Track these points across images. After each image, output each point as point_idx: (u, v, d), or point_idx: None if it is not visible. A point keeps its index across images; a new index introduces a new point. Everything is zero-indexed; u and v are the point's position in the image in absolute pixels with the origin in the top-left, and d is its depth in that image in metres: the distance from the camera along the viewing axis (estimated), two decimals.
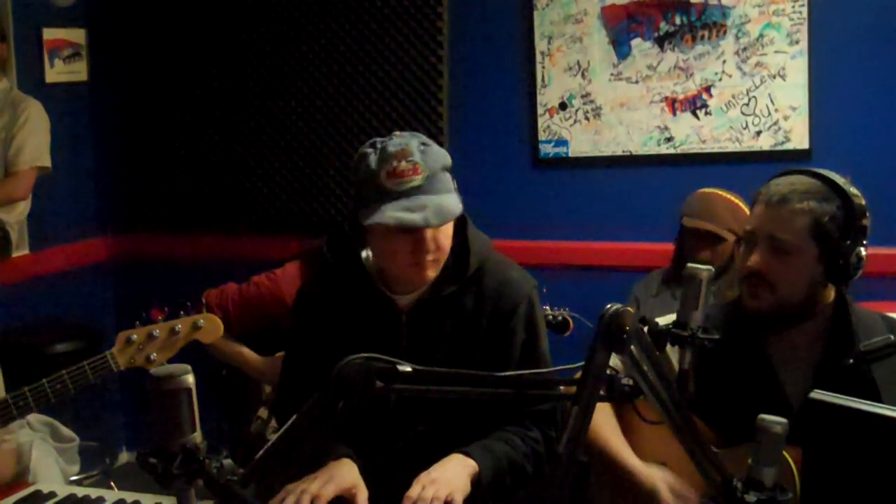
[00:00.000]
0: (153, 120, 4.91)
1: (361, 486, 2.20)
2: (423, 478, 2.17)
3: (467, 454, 2.27)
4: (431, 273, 2.35)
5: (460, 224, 2.42)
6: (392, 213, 2.22)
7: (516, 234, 4.21)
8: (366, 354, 1.54)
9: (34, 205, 4.41)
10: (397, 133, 2.32)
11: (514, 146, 4.36)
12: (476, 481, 2.24)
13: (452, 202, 2.27)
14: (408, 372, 1.57)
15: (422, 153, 2.26)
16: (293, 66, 4.61)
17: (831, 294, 2.24)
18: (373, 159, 2.26)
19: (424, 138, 2.32)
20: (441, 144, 4.27)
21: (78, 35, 4.87)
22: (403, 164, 2.23)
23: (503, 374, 1.76)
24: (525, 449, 2.36)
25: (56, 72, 4.77)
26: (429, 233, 2.26)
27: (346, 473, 2.22)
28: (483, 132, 4.39)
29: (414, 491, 2.13)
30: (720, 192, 3.44)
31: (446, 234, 2.32)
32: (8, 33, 4.46)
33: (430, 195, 2.24)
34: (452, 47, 4.37)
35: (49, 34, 4.73)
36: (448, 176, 2.30)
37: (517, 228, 4.26)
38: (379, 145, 2.28)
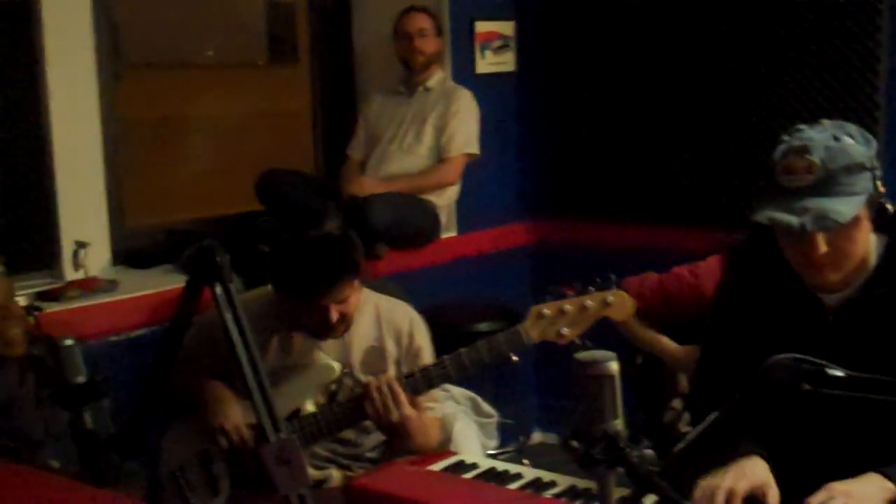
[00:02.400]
0: (576, 108, 4.99)
1: (773, 485, 2.10)
2: (836, 487, 2.02)
3: (887, 476, 2.11)
4: (832, 276, 2.20)
5: (894, 221, 2.26)
6: (770, 211, 2.11)
7: None
8: (793, 355, 1.48)
9: (463, 189, 4.62)
10: (818, 124, 2.20)
11: None
12: None
13: (844, 208, 2.09)
14: (839, 376, 1.48)
15: (826, 150, 2.11)
16: (717, 51, 4.50)
17: None
18: (779, 151, 2.17)
19: (847, 131, 2.17)
20: (875, 134, 4.07)
21: (507, 27, 5.05)
22: (799, 161, 2.12)
23: None
24: None
25: (486, 63, 4.98)
26: (819, 236, 2.13)
27: (758, 471, 2.13)
28: None
29: (818, 498, 2.01)
30: None
31: (848, 237, 2.15)
32: (445, 28, 4.72)
33: (819, 197, 2.09)
34: (891, 27, 4.07)
35: (481, 27, 4.94)
36: (855, 178, 2.12)
37: None
38: (789, 136, 2.18)
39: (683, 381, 3.22)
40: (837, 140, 2.13)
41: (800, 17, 4.26)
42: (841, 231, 2.13)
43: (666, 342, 3.20)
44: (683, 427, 3.03)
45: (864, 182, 2.14)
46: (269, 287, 2.90)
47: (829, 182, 2.11)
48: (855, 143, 2.15)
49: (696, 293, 3.11)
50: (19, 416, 2.60)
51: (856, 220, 2.14)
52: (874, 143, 2.21)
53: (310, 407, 2.72)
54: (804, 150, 2.12)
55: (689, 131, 4.63)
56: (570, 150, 5.03)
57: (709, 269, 3.15)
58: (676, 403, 3.20)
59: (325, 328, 2.78)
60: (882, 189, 2.18)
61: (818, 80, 4.24)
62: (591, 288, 2.49)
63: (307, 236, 2.77)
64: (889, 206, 2.20)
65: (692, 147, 4.64)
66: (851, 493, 2.02)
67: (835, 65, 4.20)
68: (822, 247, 2.15)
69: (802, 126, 2.20)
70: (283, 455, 1.74)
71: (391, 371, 2.80)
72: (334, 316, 2.74)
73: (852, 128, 2.19)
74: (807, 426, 2.25)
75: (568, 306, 2.46)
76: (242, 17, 5.80)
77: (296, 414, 2.70)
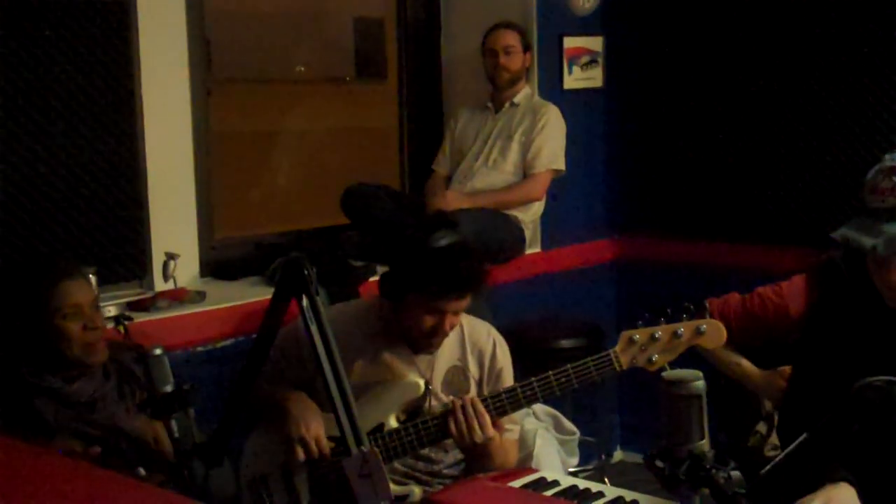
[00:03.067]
0: (663, 125, 4.95)
1: None
2: None
3: None
4: None
5: None
6: (847, 229, 2.08)
7: None
8: (888, 378, 1.45)
9: (548, 205, 4.60)
10: None
11: None
12: None
13: None
14: None
15: None
16: (805, 68, 4.43)
17: None
18: (873, 169, 2.13)
19: None
20: None
21: (595, 43, 5.03)
22: (885, 181, 2.08)
23: None
24: None
25: (574, 78, 4.96)
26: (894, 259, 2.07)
27: (846, 499, 2.09)
28: None
29: None
30: None
31: None
32: (533, 43, 4.72)
33: None
34: None
35: (569, 42, 4.92)
36: None
37: None
38: (887, 156, 2.14)
39: (768, 404, 3.16)
40: None
41: (884, 23, 4.17)
42: None
43: (747, 366, 3.13)
44: (768, 451, 2.97)
45: None
46: (358, 300, 2.92)
47: None
48: None
49: (781, 313, 3.04)
50: (104, 408, 2.64)
51: None
52: None
53: (393, 423, 2.73)
54: (892, 172, 2.07)
55: (775, 149, 4.56)
56: (656, 166, 4.99)
57: (794, 289, 3.07)
58: (761, 427, 3.13)
59: (434, 337, 2.79)
60: None
61: None
62: (684, 315, 2.45)
63: (444, 242, 2.77)
64: None
65: (776, 165, 4.57)
66: None
67: None
68: None
69: None
70: (365, 469, 1.75)
71: (472, 391, 2.80)
72: (448, 324, 2.75)
73: None
74: None
75: (659, 333, 2.43)
76: (331, 32, 5.85)
77: (379, 429, 2.71)
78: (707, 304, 3.14)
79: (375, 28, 5.68)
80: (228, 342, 3.57)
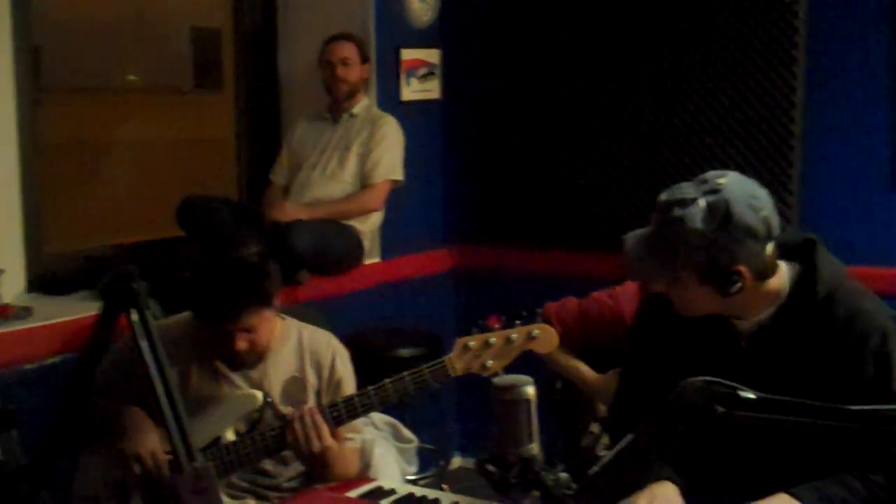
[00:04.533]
0: (499, 136, 5.04)
1: None
2: None
3: (795, 496, 2.16)
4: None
5: (808, 249, 2.32)
6: None
7: (873, 260, 3.93)
8: (707, 378, 1.51)
9: (386, 215, 4.63)
10: (690, 184, 2.27)
11: (871, 166, 4.10)
12: None
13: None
14: (750, 399, 1.51)
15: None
16: (638, 83, 4.58)
17: None
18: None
19: (706, 203, 2.21)
20: (790, 164, 4.19)
21: (433, 55, 5.08)
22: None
23: (855, 407, 1.65)
24: (865, 494, 2.20)
25: (411, 90, 5.00)
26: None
27: (669, 496, 2.18)
28: (838, 151, 4.16)
29: None
30: None
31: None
32: (371, 55, 4.73)
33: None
34: (807, 61, 4.17)
35: (407, 54, 4.96)
36: (661, 262, 2.25)
37: (874, 253, 3.99)
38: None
39: (601, 406, 3.25)
40: (679, 221, 2.20)
41: (717, 47, 4.35)
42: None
43: (584, 369, 3.23)
44: (601, 451, 3.06)
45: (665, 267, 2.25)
46: (189, 313, 2.87)
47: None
48: (688, 224, 2.19)
49: (615, 317, 3.15)
50: None
51: None
52: (760, 211, 2.22)
53: (230, 436, 2.69)
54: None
55: (607, 160, 4.70)
56: (493, 177, 5.07)
57: (627, 294, 3.20)
58: (595, 428, 3.23)
59: (233, 356, 2.76)
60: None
61: (735, 109, 4.32)
62: (517, 321, 2.51)
63: (218, 261, 2.73)
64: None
65: (609, 176, 4.70)
66: None
67: (752, 93, 4.29)
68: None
69: (684, 186, 2.28)
70: (198, 484, 1.72)
71: (311, 402, 2.78)
72: (240, 344, 2.70)
73: (710, 198, 2.21)
74: (721, 448, 2.29)
75: (493, 339, 2.47)
76: (167, 42, 5.75)
77: (215, 443, 2.67)
78: (544, 310, 3.22)
79: (212, 38, 5.61)
80: (57, 359, 3.46)
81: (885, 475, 2.22)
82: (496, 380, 1.49)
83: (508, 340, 2.47)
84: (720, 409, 1.48)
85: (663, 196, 2.25)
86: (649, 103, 4.56)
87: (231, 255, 2.71)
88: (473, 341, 2.48)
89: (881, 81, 4.04)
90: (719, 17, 4.33)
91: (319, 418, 2.58)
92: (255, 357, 2.78)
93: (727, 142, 4.34)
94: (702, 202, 2.19)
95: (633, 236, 2.27)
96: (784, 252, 2.31)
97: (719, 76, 4.36)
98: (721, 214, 2.17)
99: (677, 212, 2.20)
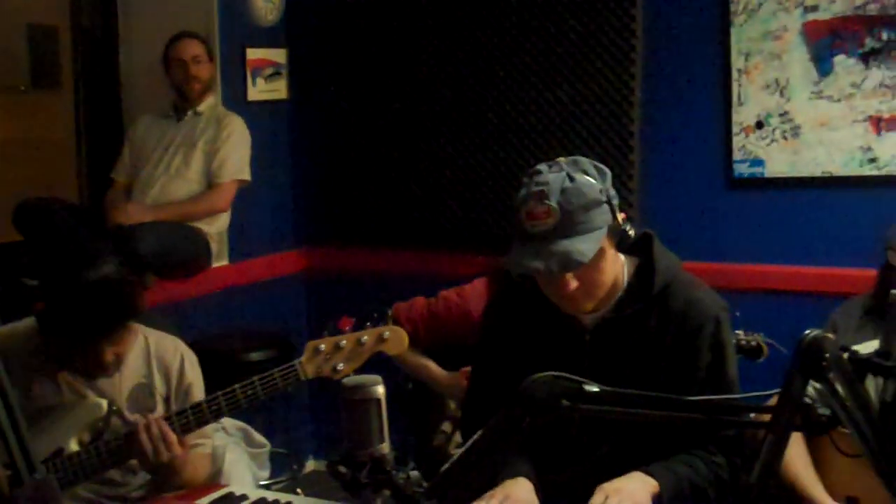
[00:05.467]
0: (348, 136, 5.03)
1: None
2: (607, 487, 2.16)
3: (649, 473, 2.24)
4: (586, 304, 2.32)
5: (645, 243, 2.39)
6: (519, 258, 2.21)
7: (709, 256, 4.10)
8: (553, 373, 1.53)
9: (234, 217, 4.57)
10: (555, 163, 2.29)
11: (707, 166, 4.25)
12: (656, 501, 2.20)
13: (585, 247, 2.19)
14: (594, 392, 1.55)
15: (562, 193, 2.19)
16: (483, 84, 4.64)
17: None
18: (520, 195, 2.25)
19: (581, 168, 2.26)
20: (631, 164, 4.31)
21: (279, 55, 5.04)
22: (538, 206, 2.20)
23: (691, 398, 1.72)
24: (708, 473, 2.30)
25: (258, 90, 4.95)
26: (568, 275, 2.23)
27: (522, 492, 2.21)
28: (676, 151, 4.31)
29: (597, 499, 2.12)
30: None
31: (595, 269, 2.26)
32: (215, 53, 4.66)
33: (562, 239, 2.18)
34: (645, 63, 4.30)
35: (252, 54, 4.91)
36: (593, 214, 2.22)
37: (710, 250, 4.15)
38: (528, 180, 2.27)
39: (452, 405, 3.29)
40: (572, 180, 2.22)
41: (560, 49, 4.44)
42: (587, 266, 2.23)
43: (433, 368, 3.26)
44: (453, 449, 3.09)
45: (602, 216, 2.24)
46: (31, 321, 2.77)
47: (568, 223, 2.19)
48: (590, 180, 2.24)
49: (463, 315, 3.19)
50: None
51: (599, 253, 2.24)
52: (608, 175, 2.31)
53: (74, 447, 2.60)
54: (542, 196, 2.20)
55: (455, 161, 4.74)
56: (342, 177, 5.06)
57: (475, 292, 3.23)
58: (446, 426, 3.26)
59: (99, 369, 2.68)
60: (621, 217, 2.28)
61: (578, 110, 4.42)
62: (367, 324, 2.51)
63: (84, 280, 2.64)
64: (631, 231, 2.32)
65: (456, 174, 4.75)
66: (621, 490, 2.15)
67: (593, 95, 4.39)
68: (572, 283, 2.26)
69: (541, 167, 2.27)
70: (39, 497, 1.66)
71: (160, 409, 2.72)
72: (109, 357, 2.65)
73: (586, 163, 2.28)
74: (571, 439, 2.35)
75: (344, 342, 2.46)
76: (2, 40, 5.55)
77: (58, 454, 2.58)
78: (393, 312, 3.24)
79: (50, 35, 5.44)
80: None
81: (724, 457, 2.33)
82: (345, 380, 1.49)
83: (359, 343, 2.47)
84: (565, 402, 1.51)
85: (541, 178, 2.23)
86: (493, 104, 4.62)
87: (94, 277, 2.62)
88: (324, 345, 2.47)
89: (717, 81, 4.19)
90: (560, 19, 4.42)
91: (166, 427, 2.52)
92: (116, 367, 2.71)
93: (569, 141, 4.43)
94: (584, 163, 2.24)
95: (536, 237, 2.23)
96: (623, 247, 2.36)
97: (561, 77, 4.45)
98: (601, 170, 2.25)
99: (573, 181, 2.21)
